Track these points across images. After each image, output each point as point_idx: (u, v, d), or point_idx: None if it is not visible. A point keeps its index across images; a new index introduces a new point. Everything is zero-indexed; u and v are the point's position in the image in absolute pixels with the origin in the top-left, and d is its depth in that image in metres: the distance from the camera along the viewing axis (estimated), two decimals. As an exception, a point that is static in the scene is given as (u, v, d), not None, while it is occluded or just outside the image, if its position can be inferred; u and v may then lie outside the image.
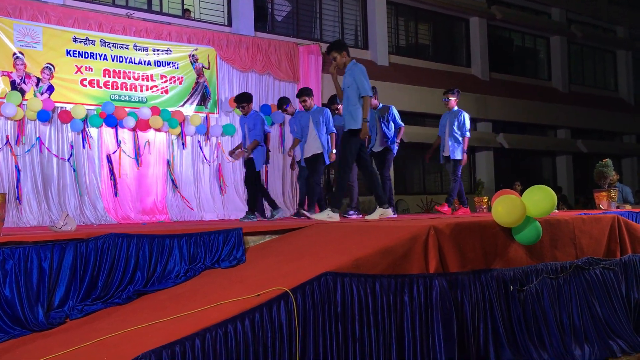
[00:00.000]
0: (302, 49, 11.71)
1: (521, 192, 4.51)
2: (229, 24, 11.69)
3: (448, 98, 8.25)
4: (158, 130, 9.87)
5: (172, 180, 9.96)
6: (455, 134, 8.05)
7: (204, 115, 10.35)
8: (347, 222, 4.90)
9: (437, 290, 3.78)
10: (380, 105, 8.22)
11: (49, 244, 3.68)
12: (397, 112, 8.26)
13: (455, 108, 8.24)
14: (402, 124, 8.23)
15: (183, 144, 10.12)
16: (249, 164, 7.93)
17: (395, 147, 8.18)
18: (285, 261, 3.91)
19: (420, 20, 15.43)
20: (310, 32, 13.15)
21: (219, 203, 10.19)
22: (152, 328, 3.15)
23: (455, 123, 8.07)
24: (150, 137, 9.84)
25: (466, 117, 8.15)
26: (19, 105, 8.50)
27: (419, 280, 3.76)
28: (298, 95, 8.14)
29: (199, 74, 10.44)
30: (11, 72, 8.61)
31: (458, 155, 8.07)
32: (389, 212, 6.22)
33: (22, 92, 8.63)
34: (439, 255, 3.91)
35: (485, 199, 10.27)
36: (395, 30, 14.83)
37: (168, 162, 9.97)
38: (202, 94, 10.41)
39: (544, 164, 18.36)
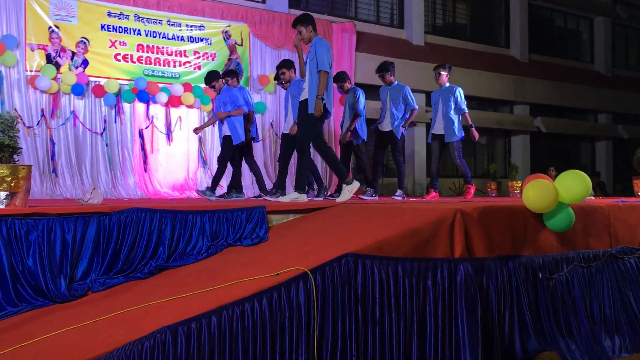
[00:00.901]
0: (336, 27, 11.55)
1: (555, 178, 4.34)
2: (263, 1, 11.59)
3: (439, 73, 7.80)
4: (190, 106, 9.89)
5: (203, 157, 10.00)
6: (451, 113, 7.64)
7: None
8: (372, 204, 4.82)
9: (461, 275, 3.68)
10: (396, 83, 7.77)
11: (73, 217, 3.70)
12: (411, 93, 7.77)
13: (448, 84, 7.82)
14: (416, 107, 7.76)
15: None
16: (225, 141, 7.35)
17: (401, 131, 7.62)
18: (306, 241, 3.86)
19: (458, -1, 15.06)
20: (345, 9, 12.95)
21: (248, 180, 10.17)
22: (170, 304, 3.14)
23: (452, 100, 7.65)
24: (182, 113, 9.88)
25: (461, 92, 7.76)
26: (54, 79, 8.61)
27: (443, 264, 3.66)
28: (278, 67, 7.70)
29: (232, 50, 10.40)
30: (47, 46, 8.71)
31: (457, 134, 7.64)
32: (303, 198, 5.73)
33: (57, 66, 8.73)
34: (465, 239, 3.80)
35: (519, 183, 10.05)
36: (432, 9, 14.50)
37: (200, 138, 10.00)
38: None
39: (582, 149, 17.87)
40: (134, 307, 3.15)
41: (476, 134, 7.72)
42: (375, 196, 7.49)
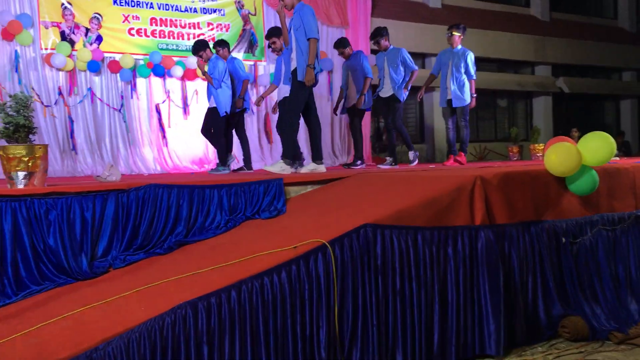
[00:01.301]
0: (351, -9, 11.32)
1: (578, 139, 4.23)
2: (275, -32, 11.38)
3: (452, 33, 7.57)
4: (205, 79, 9.81)
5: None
6: (462, 77, 7.48)
7: (252, 63, 10.23)
8: (390, 173, 4.76)
9: (482, 243, 3.63)
10: (391, 47, 7.56)
11: (91, 195, 3.71)
12: (408, 55, 7.55)
13: (460, 47, 7.60)
14: (416, 68, 7.53)
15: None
16: (211, 111, 7.32)
17: (403, 93, 7.47)
18: (325, 212, 3.83)
19: (476, -43, 14.63)
20: (359, -26, 12.66)
21: (267, 152, 10.18)
22: (190, 279, 3.15)
23: (462, 64, 7.47)
24: (198, 86, 9.83)
25: (473, 57, 7.59)
26: (69, 56, 8.60)
27: (463, 232, 3.62)
28: (267, 37, 7.52)
29: (245, 20, 10.28)
30: (60, 23, 8.68)
31: (467, 98, 7.53)
32: (322, 168, 5.75)
33: (72, 43, 8.71)
34: (486, 206, 3.73)
35: (541, 146, 9.89)
36: (449, -31, 14.12)
37: (218, 110, 9.96)
38: (249, 41, 10.28)
39: (606, 108, 17.48)
40: (154, 283, 3.17)
41: (473, 103, 7.65)
42: (394, 164, 7.42)
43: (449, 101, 7.65)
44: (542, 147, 9.84)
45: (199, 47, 7.34)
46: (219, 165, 7.20)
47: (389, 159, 7.54)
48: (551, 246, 3.99)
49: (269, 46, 7.55)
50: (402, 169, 6.13)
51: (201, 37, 8.89)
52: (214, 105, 7.18)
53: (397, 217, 3.47)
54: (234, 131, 7.69)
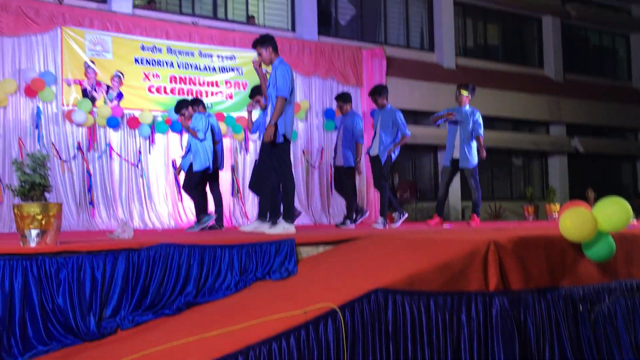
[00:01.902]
0: (366, 52, 11.57)
1: (595, 200, 4.18)
2: (293, 30, 11.70)
3: (460, 92, 7.55)
4: (222, 136, 9.96)
5: (236, 186, 10.05)
6: (468, 137, 7.43)
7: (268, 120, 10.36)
8: (403, 235, 4.72)
9: (497, 309, 3.55)
10: (388, 106, 7.44)
11: (102, 254, 3.71)
12: (402, 118, 7.35)
13: (468, 107, 7.56)
14: (407, 133, 7.30)
15: (246, 149, 10.20)
16: (189, 168, 7.32)
17: (385, 156, 7.21)
18: (336, 275, 3.78)
19: (489, 20, 14.94)
20: (374, 35, 12.98)
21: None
22: (198, 343, 3.10)
23: (470, 124, 7.43)
24: (214, 142, 9.94)
25: (480, 116, 7.57)
26: (90, 113, 8.79)
27: (477, 298, 3.55)
28: (251, 96, 7.53)
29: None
30: (82, 81, 8.92)
31: (474, 160, 7.48)
32: (291, 229, 5.40)
33: (93, 100, 8.92)
34: (500, 271, 3.68)
35: (557, 206, 9.81)
36: (463, 32, 14.43)
37: (232, 167, 10.07)
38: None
39: (623, 169, 17.38)
40: (161, 346, 3.12)
41: (484, 154, 7.58)
42: (386, 226, 7.23)
43: (454, 161, 7.59)
44: (558, 208, 9.76)
45: (182, 105, 7.52)
46: (196, 223, 7.21)
47: (380, 219, 7.28)
48: (568, 314, 3.89)
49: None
50: (413, 231, 6.07)
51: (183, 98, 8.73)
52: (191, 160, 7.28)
53: (409, 281, 3.42)
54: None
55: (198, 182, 7.30)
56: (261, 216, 5.62)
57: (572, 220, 3.90)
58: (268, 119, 5.61)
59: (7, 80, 8.29)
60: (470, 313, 3.50)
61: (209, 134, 7.31)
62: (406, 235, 4.73)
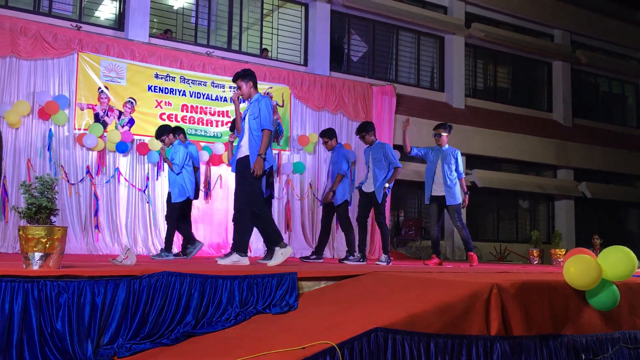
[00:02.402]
0: (376, 89, 11.69)
1: (601, 246, 4.17)
2: (305, 64, 11.86)
3: (440, 134, 7.61)
4: (230, 165, 10.02)
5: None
6: (451, 175, 7.48)
7: (276, 152, 10.44)
8: (406, 273, 4.70)
9: (498, 354, 3.51)
10: (377, 142, 7.50)
11: (104, 279, 3.71)
12: (392, 151, 7.41)
13: (447, 146, 7.64)
14: (399, 165, 7.32)
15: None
16: (168, 198, 7.48)
17: (382, 192, 7.23)
18: (336, 311, 3.76)
19: (499, 63, 15.09)
20: (385, 72, 13.13)
21: (285, 240, 10.15)
22: (194, 374, 3.07)
23: (453, 162, 7.51)
24: (222, 172, 10.02)
25: (459, 155, 7.66)
26: (100, 137, 8.89)
27: (478, 342, 3.51)
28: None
29: (273, 111, 10.57)
30: (95, 105, 9.04)
31: (459, 197, 7.50)
32: (245, 261, 5.48)
33: (104, 125, 9.02)
34: (502, 316, 3.64)
35: (563, 251, 9.74)
36: (473, 73, 14.57)
37: (238, 196, 10.08)
38: (275, 131, 10.53)
39: (630, 215, 17.28)
40: (157, 376, 3.09)
41: (467, 201, 7.65)
42: (362, 261, 7.21)
43: (434, 198, 7.57)
44: (564, 252, 9.69)
45: (163, 132, 7.58)
46: (162, 251, 7.37)
47: (356, 254, 7.32)
48: (570, 362, 3.83)
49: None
50: (416, 270, 6.04)
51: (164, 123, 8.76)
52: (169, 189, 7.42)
53: (409, 321, 3.39)
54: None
55: (179, 213, 7.37)
56: (239, 250, 5.58)
57: (577, 268, 3.87)
58: (244, 150, 5.66)
59: (21, 102, 8.42)
60: (471, 357, 3.46)
61: (190, 163, 7.41)
62: (409, 274, 4.71)
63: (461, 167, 7.63)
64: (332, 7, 12.04)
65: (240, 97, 5.95)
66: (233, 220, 6.04)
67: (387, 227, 7.36)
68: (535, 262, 10.29)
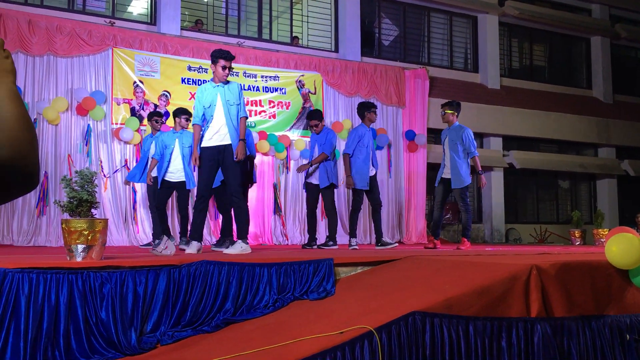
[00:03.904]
0: (409, 73, 11.57)
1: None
2: (336, 50, 11.81)
3: (444, 112, 7.37)
4: (265, 154, 10.09)
5: (277, 204, 10.13)
6: (457, 156, 7.18)
7: (308, 139, 10.45)
8: (441, 257, 4.66)
9: (539, 336, 3.46)
10: (457, 123, 7.45)
11: (144, 269, 3.79)
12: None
13: (457, 123, 7.36)
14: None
15: (287, 168, 10.29)
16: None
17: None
18: (373, 296, 3.76)
19: (535, 40, 14.75)
20: (417, 55, 12.97)
21: (322, 227, 10.18)
22: (234, 360, 3.13)
23: (459, 142, 7.19)
24: (257, 161, 10.07)
25: (470, 133, 7.30)
26: (137, 130, 9.04)
27: (518, 324, 3.47)
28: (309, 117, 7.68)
29: (305, 99, 10.60)
30: (131, 100, 9.20)
31: (466, 179, 7.19)
32: (247, 249, 5.53)
33: (141, 118, 9.17)
34: (542, 297, 3.59)
35: (605, 231, 9.51)
36: (508, 52, 14.28)
37: (274, 185, 10.16)
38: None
39: (676, 193, 16.75)
40: (199, 362, 3.16)
41: (484, 181, 7.33)
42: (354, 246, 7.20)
43: (443, 180, 7.37)
44: (606, 232, 9.47)
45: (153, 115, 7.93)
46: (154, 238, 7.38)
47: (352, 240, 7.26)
48: (614, 343, 3.75)
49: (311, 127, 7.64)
50: (452, 254, 5.99)
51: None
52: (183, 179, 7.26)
53: (447, 305, 3.37)
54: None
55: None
56: (243, 237, 5.66)
57: (619, 247, 3.78)
58: (227, 139, 5.67)
59: (59, 98, 8.61)
60: (511, 339, 3.42)
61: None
62: (445, 257, 4.68)
63: (473, 146, 7.29)
64: (362, -8, 11.94)
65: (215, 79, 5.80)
66: (221, 208, 6.13)
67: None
68: (577, 243, 10.07)
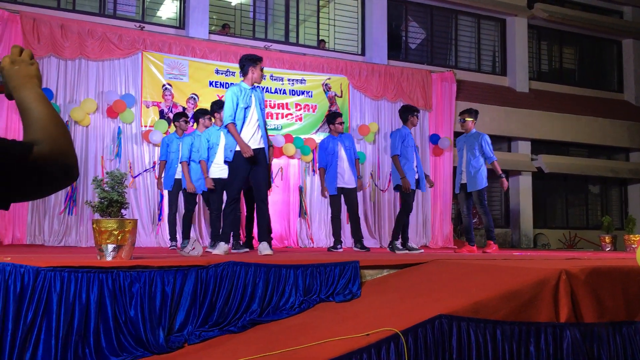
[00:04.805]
0: (435, 76, 11.51)
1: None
2: (362, 53, 11.80)
3: (464, 119, 7.54)
4: (291, 157, 10.14)
5: (303, 207, 10.16)
6: (474, 161, 7.32)
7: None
8: (469, 261, 4.63)
9: (568, 342, 3.41)
10: (474, 130, 7.66)
11: (172, 269, 3.84)
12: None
13: (474, 130, 7.53)
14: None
15: (314, 170, 10.31)
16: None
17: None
18: (399, 299, 3.75)
19: (565, 43, 14.54)
20: (445, 58, 12.90)
21: (346, 231, 10.18)
22: (261, 360, 3.15)
23: (477, 147, 7.36)
24: (283, 163, 10.13)
25: (488, 139, 7.44)
26: (165, 133, 9.16)
27: (547, 329, 3.42)
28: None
29: (332, 102, 10.62)
30: (160, 103, 9.33)
31: (482, 182, 7.28)
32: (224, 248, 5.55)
33: (169, 121, 9.29)
34: (572, 302, 3.53)
35: (637, 237, 9.34)
36: (537, 55, 14.10)
37: (300, 188, 10.19)
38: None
39: None
40: (225, 362, 3.18)
41: (505, 184, 7.41)
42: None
43: (463, 186, 7.47)
44: (638, 238, 9.29)
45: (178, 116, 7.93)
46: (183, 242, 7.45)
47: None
48: (646, 350, 3.68)
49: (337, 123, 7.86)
50: (480, 258, 5.94)
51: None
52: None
53: (474, 308, 3.35)
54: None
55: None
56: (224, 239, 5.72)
57: (651, 252, 3.71)
58: (262, 141, 5.84)
59: (88, 99, 8.76)
60: (540, 344, 3.38)
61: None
62: (472, 261, 4.64)
63: (490, 151, 7.43)
64: (389, -5, 11.92)
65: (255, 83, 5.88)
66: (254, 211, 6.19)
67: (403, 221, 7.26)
68: (608, 249, 9.90)
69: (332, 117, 7.95)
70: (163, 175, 7.90)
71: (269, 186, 7.35)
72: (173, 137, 7.84)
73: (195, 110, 9.08)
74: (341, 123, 7.84)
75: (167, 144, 7.79)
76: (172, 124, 7.92)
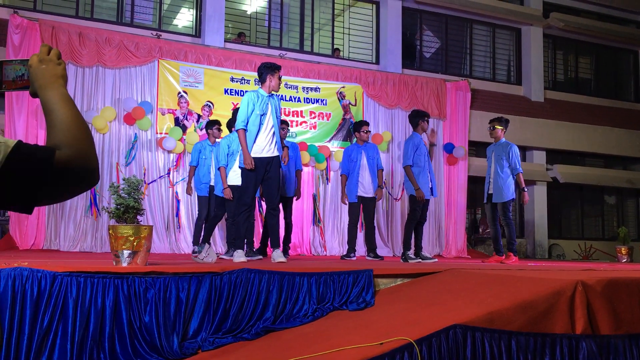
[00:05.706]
0: (450, 85, 11.50)
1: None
2: (377, 62, 11.83)
3: (494, 127, 7.45)
4: (305, 165, 10.15)
5: (316, 215, 10.16)
6: (502, 171, 7.25)
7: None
8: (484, 271, 4.60)
9: (584, 354, 3.38)
10: (503, 140, 7.55)
11: (187, 276, 3.86)
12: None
13: (504, 139, 7.45)
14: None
15: (328, 178, 10.32)
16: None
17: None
18: (413, 308, 3.74)
19: (580, 53, 14.46)
20: (459, 67, 12.88)
21: (360, 239, 10.17)
22: (274, 368, 3.15)
23: (504, 157, 7.27)
24: (297, 170, 10.14)
25: (516, 150, 7.38)
26: (180, 140, 9.23)
27: (563, 340, 3.39)
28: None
29: (346, 110, 10.64)
30: (175, 110, 9.40)
31: (507, 194, 7.20)
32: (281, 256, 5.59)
33: (184, 128, 9.36)
34: (588, 314, 3.50)
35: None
36: (552, 65, 14.03)
37: (314, 196, 10.20)
38: (348, 130, 10.58)
39: None
40: (239, 369, 3.19)
41: (526, 198, 7.37)
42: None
43: (490, 196, 7.40)
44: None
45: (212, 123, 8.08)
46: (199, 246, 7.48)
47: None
48: (664, 363, 3.63)
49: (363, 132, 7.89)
50: (494, 267, 5.90)
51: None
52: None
53: (488, 319, 3.32)
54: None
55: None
56: (275, 245, 5.77)
57: (669, 264, 3.67)
58: (277, 149, 5.92)
59: (107, 108, 8.87)
60: (555, 356, 3.35)
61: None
62: (487, 271, 4.62)
63: (518, 163, 7.37)
64: (404, 4, 11.94)
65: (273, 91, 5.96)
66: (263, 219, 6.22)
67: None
68: (624, 260, 9.80)
69: (358, 125, 7.96)
70: (193, 180, 8.01)
71: (298, 195, 7.68)
72: (205, 144, 7.96)
73: (209, 118, 9.17)
74: (367, 131, 7.87)
75: (199, 149, 7.90)
76: (205, 131, 8.14)
